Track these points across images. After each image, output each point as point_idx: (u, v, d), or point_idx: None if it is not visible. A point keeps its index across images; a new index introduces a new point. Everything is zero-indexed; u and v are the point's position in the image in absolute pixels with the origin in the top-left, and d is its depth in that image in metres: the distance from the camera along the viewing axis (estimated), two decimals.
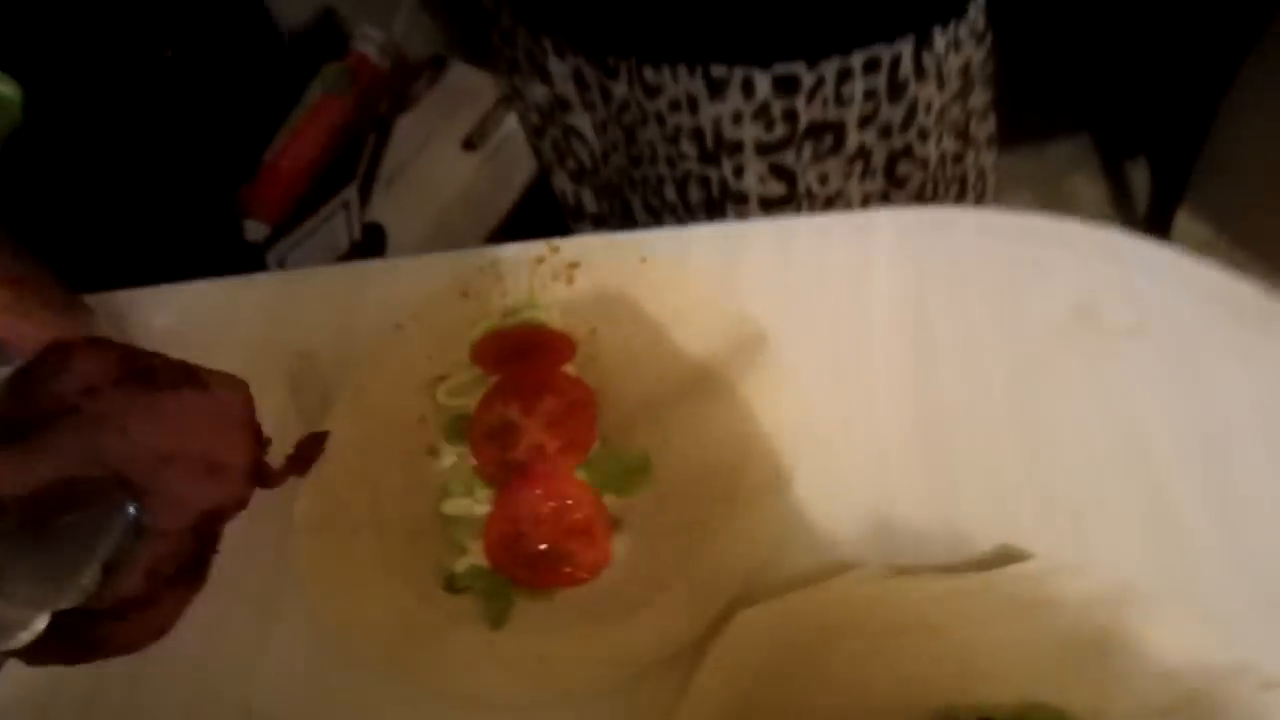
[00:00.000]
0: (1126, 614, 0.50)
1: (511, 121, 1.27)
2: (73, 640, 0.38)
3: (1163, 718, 0.47)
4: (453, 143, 1.27)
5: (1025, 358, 0.64)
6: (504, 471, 0.60)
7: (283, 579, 0.60)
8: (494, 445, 0.60)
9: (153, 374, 0.44)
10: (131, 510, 0.40)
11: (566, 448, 0.60)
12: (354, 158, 1.25)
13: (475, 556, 0.58)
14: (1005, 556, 0.55)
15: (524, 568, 0.57)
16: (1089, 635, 0.50)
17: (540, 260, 0.74)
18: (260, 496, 0.55)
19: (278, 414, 0.68)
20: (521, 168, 1.30)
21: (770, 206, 0.97)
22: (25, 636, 0.35)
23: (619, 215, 1.12)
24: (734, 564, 0.56)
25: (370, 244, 1.18)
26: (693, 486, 0.60)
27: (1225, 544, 0.54)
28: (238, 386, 0.46)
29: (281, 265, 1.20)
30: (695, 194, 0.99)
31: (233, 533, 0.55)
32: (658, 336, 0.68)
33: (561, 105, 1.02)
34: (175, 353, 0.51)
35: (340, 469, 0.64)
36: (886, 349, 0.66)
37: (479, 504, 0.59)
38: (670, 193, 1.02)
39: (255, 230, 1.22)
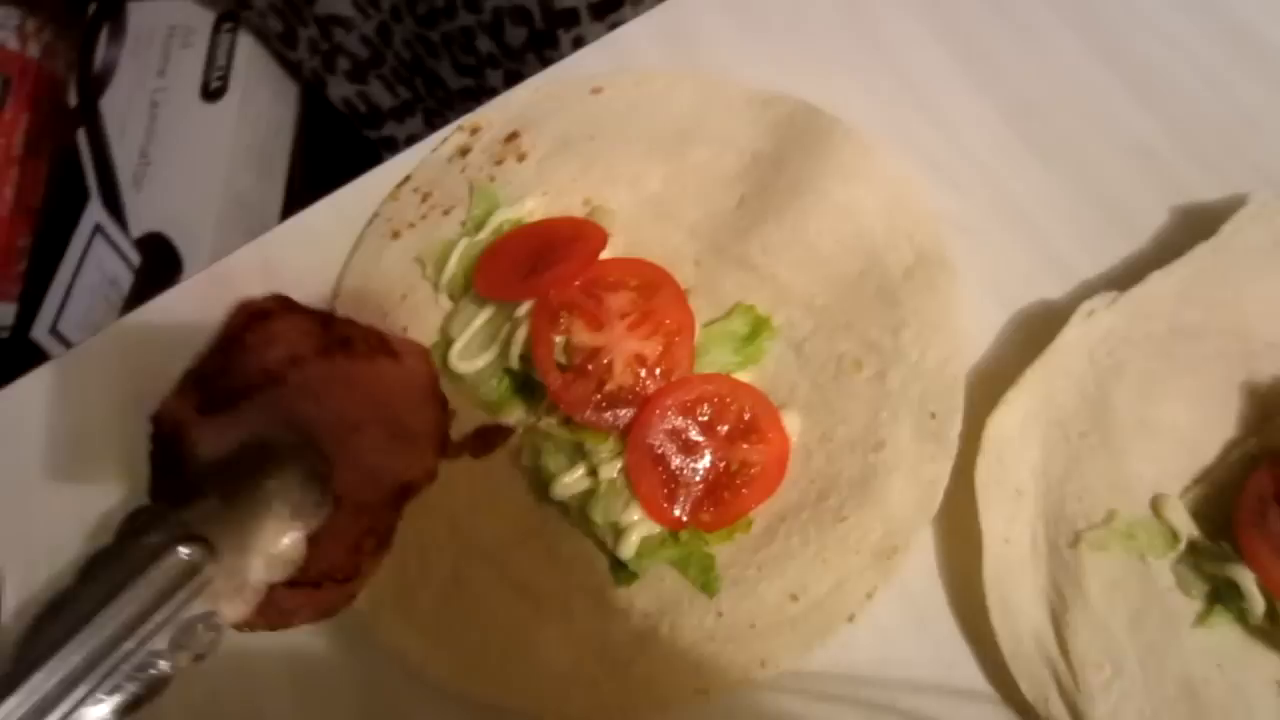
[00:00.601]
0: None
1: (247, 45, 0.99)
2: (273, 608, 0.37)
3: None
4: (188, 100, 0.98)
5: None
6: (609, 407, 0.44)
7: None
8: (583, 383, 0.44)
9: (350, 343, 0.43)
10: (325, 481, 0.39)
11: (669, 345, 0.46)
12: (74, 172, 0.93)
13: (642, 526, 0.43)
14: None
15: (707, 505, 0.43)
16: None
17: (465, 151, 0.56)
18: None
19: None
20: (284, 96, 1.03)
21: (605, 12, 0.81)
22: (243, 608, 0.36)
23: (428, 94, 0.92)
24: (940, 372, 0.44)
25: (158, 261, 0.91)
26: (836, 310, 0.47)
27: None
28: (424, 356, 0.44)
29: (62, 339, 0.90)
30: (515, 33, 0.81)
31: None
32: (680, 168, 0.52)
33: None
34: None
35: None
36: (931, 69, 0.55)
37: (603, 463, 0.44)
38: (485, 42, 0.83)
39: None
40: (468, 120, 0.57)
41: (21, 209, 0.98)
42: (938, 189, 0.50)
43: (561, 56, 0.60)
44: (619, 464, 0.44)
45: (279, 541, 0.37)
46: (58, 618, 0.34)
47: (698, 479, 0.43)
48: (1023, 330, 0.47)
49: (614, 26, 0.62)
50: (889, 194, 0.49)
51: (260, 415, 0.41)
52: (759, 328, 0.47)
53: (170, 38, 1.04)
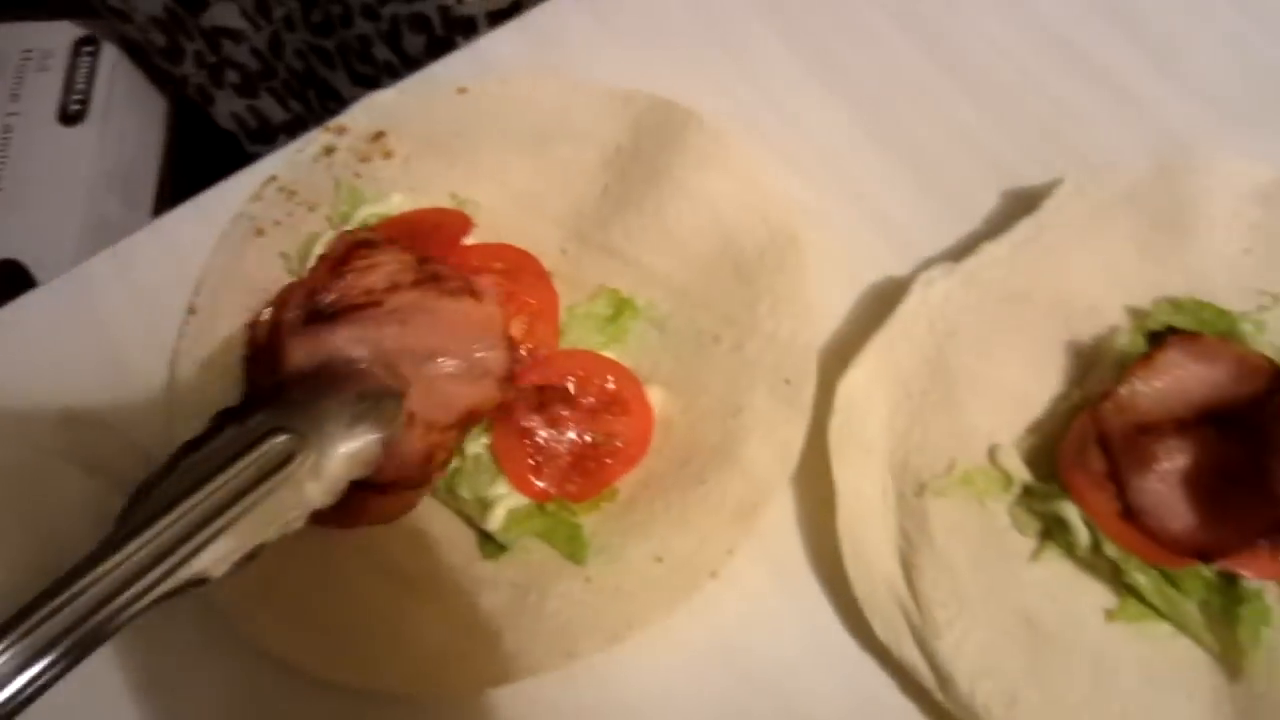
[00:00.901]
0: None
1: (108, 67, 0.95)
2: (345, 506, 0.40)
3: None
4: (44, 123, 0.94)
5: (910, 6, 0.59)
6: None
7: None
8: None
9: (441, 279, 0.46)
10: (401, 398, 0.42)
11: (534, 324, 0.46)
12: None
13: (509, 499, 0.43)
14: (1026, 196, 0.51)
15: (573, 478, 0.44)
16: None
17: (331, 150, 0.56)
18: None
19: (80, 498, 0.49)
20: (152, 118, 1.00)
21: (503, 19, 0.83)
22: (326, 499, 0.38)
23: (321, 106, 0.91)
24: (793, 341, 0.46)
25: (13, 286, 0.86)
26: (695, 289, 0.49)
27: None
28: (502, 301, 0.46)
29: None
30: (413, 41, 0.82)
31: None
32: (545, 163, 0.54)
33: (191, 4, 0.79)
34: None
35: None
36: (779, 69, 0.58)
37: (469, 439, 0.44)
38: (382, 50, 0.83)
39: None
40: (333, 121, 0.57)
41: None
42: (789, 178, 0.53)
43: None
44: (485, 439, 0.44)
45: (359, 444, 0.40)
46: (150, 496, 0.37)
47: (564, 451, 0.44)
48: (871, 304, 0.50)
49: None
50: (742, 180, 0.51)
51: (353, 331, 0.45)
52: (621, 308, 0.49)
53: (25, 61, 1.00)
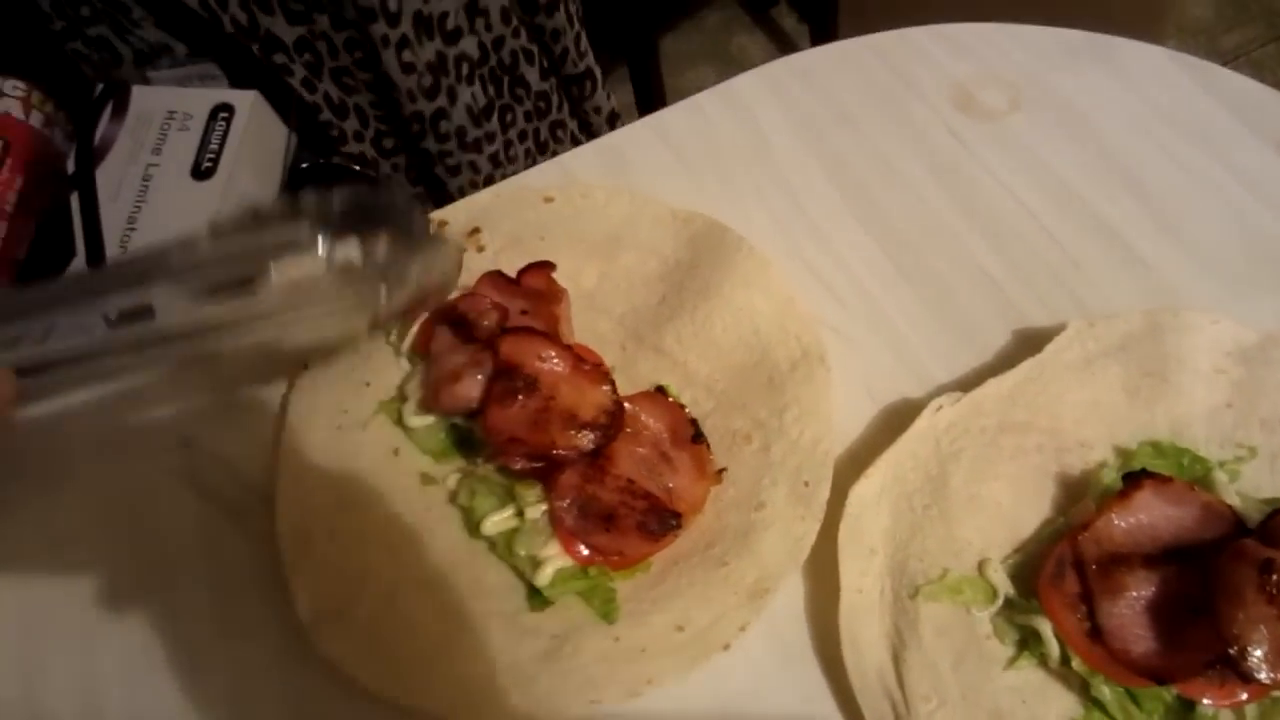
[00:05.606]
0: None
1: (238, 133, 1.09)
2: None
3: None
4: (180, 176, 1.07)
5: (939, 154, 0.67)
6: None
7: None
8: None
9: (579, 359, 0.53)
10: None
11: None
12: (64, 232, 1.01)
13: (558, 560, 0.50)
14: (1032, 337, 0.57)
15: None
16: None
17: None
18: None
19: (196, 518, 0.57)
20: (267, 181, 1.13)
21: None
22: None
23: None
24: (814, 448, 0.53)
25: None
26: (733, 393, 0.56)
27: None
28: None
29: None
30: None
31: None
32: (612, 268, 0.62)
33: None
34: None
35: (329, 545, 0.53)
36: (822, 203, 0.66)
37: (529, 505, 0.52)
38: None
39: None
40: (436, 214, 0.66)
41: (5, 260, 1.05)
42: (822, 300, 0.61)
43: None
44: (543, 507, 0.52)
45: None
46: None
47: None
48: (886, 420, 0.57)
49: None
50: (781, 301, 0.59)
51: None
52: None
53: (169, 120, 1.14)
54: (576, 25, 0.95)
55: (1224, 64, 0.70)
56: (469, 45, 0.88)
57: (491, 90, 0.94)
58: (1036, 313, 0.59)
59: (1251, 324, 0.55)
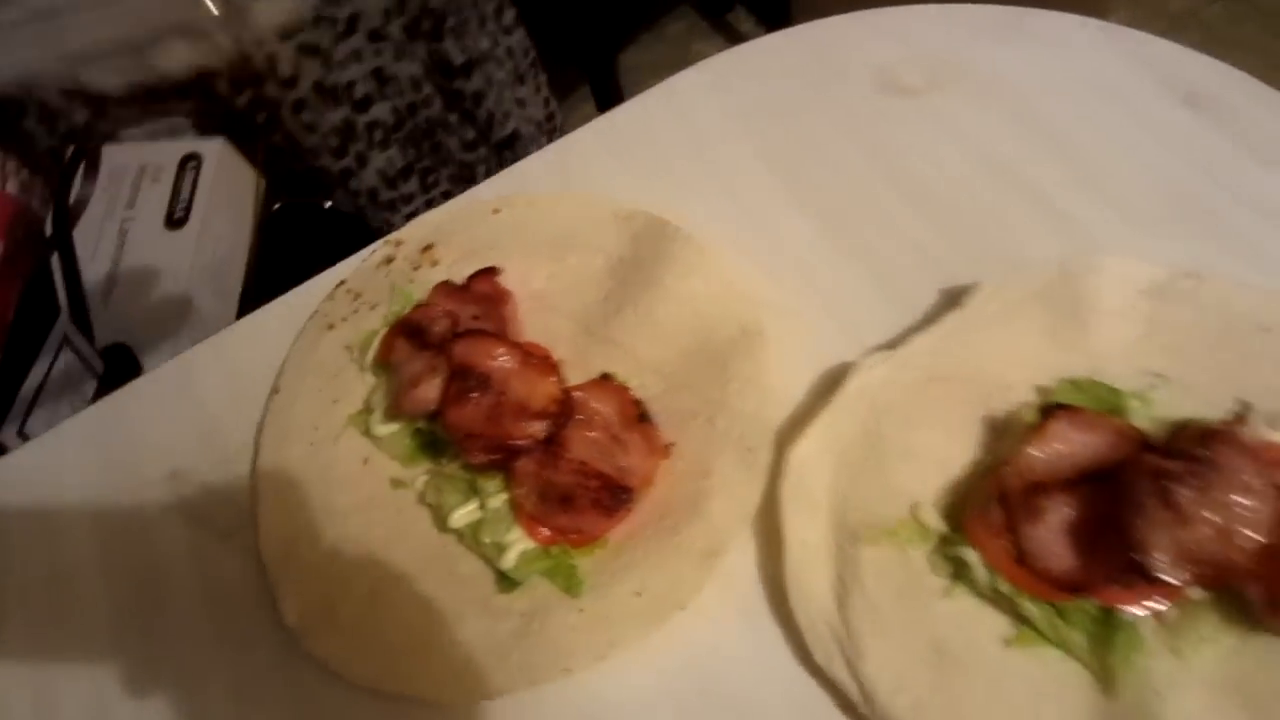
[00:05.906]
0: None
1: (207, 181, 1.13)
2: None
3: None
4: (154, 227, 1.11)
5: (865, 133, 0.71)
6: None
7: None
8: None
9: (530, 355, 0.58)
10: None
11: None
12: (47, 291, 1.05)
13: (521, 543, 0.54)
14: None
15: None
16: None
17: (390, 260, 0.69)
18: None
19: (188, 542, 0.61)
20: (240, 224, 1.17)
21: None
22: None
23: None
24: (756, 416, 0.57)
25: (121, 368, 1.01)
26: (680, 374, 0.60)
27: None
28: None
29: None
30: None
31: None
32: (560, 268, 0.66)
33: None
34: None
35: (312, 553, 0.57)
36: (759, 189, 0.70)
37: (490, 495, 0.55)
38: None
39: None
40: (392, 236, 0.70)
41: None
42: (761, 278, 0.64)
43: None
44: (504, 496, 0.55)
45: None
46: None
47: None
48: (827, 386, 0.60)
49: None
50: (719, 285, 0.63)
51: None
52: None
53: (141, 174, 1.18)
54: (500, 87, 0.97)
55: (1172, 27, 0.73)
56: (381, 111, 0.90)
57: (412, 153, 0.95)
58: (964, 272, 0.62)
59: (1166, 265, 0.59)
